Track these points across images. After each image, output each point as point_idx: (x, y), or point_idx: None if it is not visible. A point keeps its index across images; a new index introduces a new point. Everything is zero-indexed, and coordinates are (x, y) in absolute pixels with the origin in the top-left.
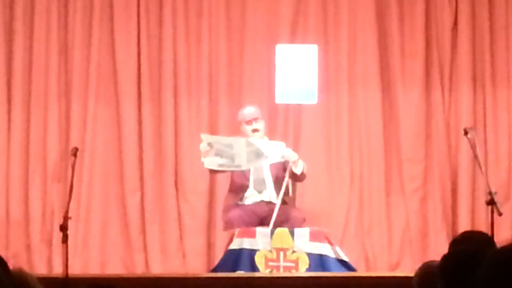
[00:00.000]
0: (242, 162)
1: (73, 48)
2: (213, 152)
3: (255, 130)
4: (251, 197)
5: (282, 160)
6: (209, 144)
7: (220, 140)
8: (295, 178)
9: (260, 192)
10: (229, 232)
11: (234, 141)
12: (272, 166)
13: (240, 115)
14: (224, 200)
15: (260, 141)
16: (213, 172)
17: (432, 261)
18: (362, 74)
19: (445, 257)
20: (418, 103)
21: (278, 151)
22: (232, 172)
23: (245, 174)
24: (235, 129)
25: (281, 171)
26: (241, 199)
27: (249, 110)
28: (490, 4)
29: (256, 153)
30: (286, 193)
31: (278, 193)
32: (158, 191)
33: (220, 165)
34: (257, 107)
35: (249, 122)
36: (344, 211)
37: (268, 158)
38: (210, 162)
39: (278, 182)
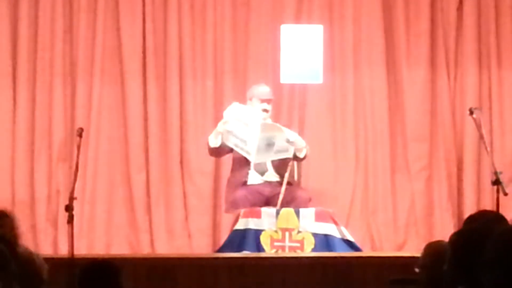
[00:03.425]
0: (252, 150)
1: (78, 27)
2: (228, 131)
3: (265, 111)
4: (253, 179)
5: (292, 156)
6: (226, 122)
7: (241, 116)
8: (296, 159)
9: (261, 174)
10: (234, 212)
11: (251, 122)
12: None
13: (254, 91)
14: (227, 182)
15: (277, 127)
16: (214, 153)
17: (438, 241)
18: (367, 54)
19: (455, 234)
20: (423, 83)
21: (289, 144)
22: (234, 155)
23: (246, 158)
24: None
25: (281, 161)
26: (244, 182)
27: (265, 89)
28: None
29: (267, 143)
30: (292, 176)
31: (279, 174)
32: (163, 171)
33: (235, 145)
34: (270, 89)
35: (263, 101)
36: (350, 191)
37: (278, 153)
38: (226, 138)
39: (278, 164)
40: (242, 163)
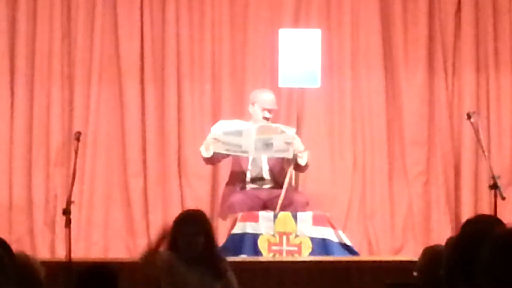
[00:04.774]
0: (249, 149)
1: (76, 31)
2: (219, 142)
3: (266, 118)
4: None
5: (291, 156)
6: (215, 139)
7: (230, 130)
8: (298, 168)
9: (260, 185)
10: (232, 216)
11: (245, 129)
12: (270, 158)
13: (258, 97)
14: (223, 191)
15: (273, 128)
16: (209, 162)
17: (435, 245)
18: (365, 58)
19: (452, 238)
20: (421, 88)
21: (288, 145)
22: (232, 164)
23: (243, 170)
24: (238, 113)
25: (278, 165)
26: (240, 189)
27: (270, 97)
28: None
29: (265, 143)
30: (289, 182)
31: (275, 183)
32: (161, 175)
33: (227, 150)
34: (274, 96)
35: (265, 109)
36: (347, 195)
37: (278, 152)
38: (217, 147)
39: (275, 175)
40: (239, 176)
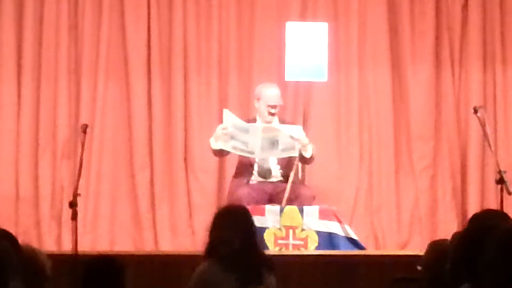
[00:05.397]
0: (255, 149)
1: (83, 24)
2: (228, 135)
3: (271, 114)
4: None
5: (297, 154)
6: (225, 129)
7: (239, 124)
8: (303, 161)
9: (266, 179)
10: None
11: (251, 127)
12: None
13: (263, 93)
14: (230, 184)
15: (278, 129)
16: (217, 154)
17: (441, 240)
18: (372, 52)
19: (458, 233)
20: (428, 82)
21: (294, 141)
22: (239, 157)
23: (250, 162)
24: (245, 107)
25: (285, 158)
26: (247, 182)
27: (274, 93)
28: None
29: (271, 142)
30: (296, 174)
31: (283, 177)
32: (167, 168)
33: (234, 147)
34: (279, 91)
35: (269, 105)
36: (354, 190)
37: (284, 151)
38: (224, 142)
39: (282, 168)
40: (246, 168)
